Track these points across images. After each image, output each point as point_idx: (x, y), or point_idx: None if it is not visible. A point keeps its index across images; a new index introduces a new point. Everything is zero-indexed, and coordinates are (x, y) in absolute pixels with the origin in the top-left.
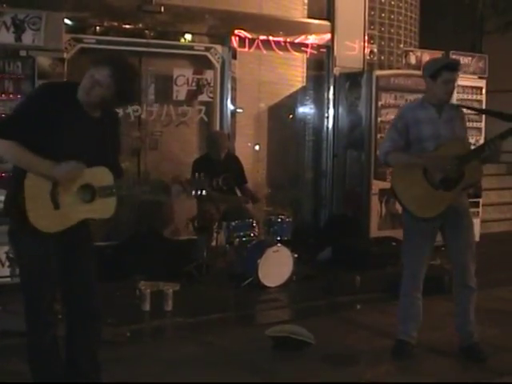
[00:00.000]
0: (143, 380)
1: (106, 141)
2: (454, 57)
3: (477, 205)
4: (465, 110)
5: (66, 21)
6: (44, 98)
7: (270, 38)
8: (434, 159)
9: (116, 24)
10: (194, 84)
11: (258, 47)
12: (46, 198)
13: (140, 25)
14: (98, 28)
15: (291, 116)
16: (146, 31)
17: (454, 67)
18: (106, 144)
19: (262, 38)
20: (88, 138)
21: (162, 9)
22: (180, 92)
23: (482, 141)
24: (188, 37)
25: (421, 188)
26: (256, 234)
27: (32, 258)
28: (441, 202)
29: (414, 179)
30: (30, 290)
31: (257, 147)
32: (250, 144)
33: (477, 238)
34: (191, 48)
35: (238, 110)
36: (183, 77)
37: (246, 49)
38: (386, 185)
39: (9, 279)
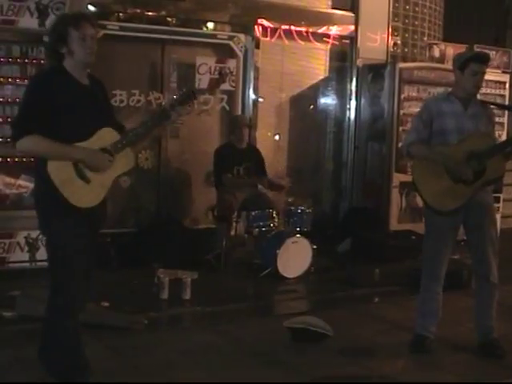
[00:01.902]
0: (158, 368)
1: (102, 104)
2: (477, 50)
3: (497, 200)
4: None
5: (90, 7)
6: (45, 85)
7: (293, 27)
8: (453, 162)
9: (139, 11)
10: (216, 72)
11: (280, 37)
12: (75, 178)
13: (163, 12)
14: (121, 15)
15: (313, 107)
16: (169, 19)
17: (482, 59)
18: (103, 107)
19: (284, 27)
20: (90, 107)
21: None
22: (202, 80)
23: (504, 136)
24: (211, 25)
25: (441, 181)
26: (275, 224)
27: (71, 240)
28: (460, 196)
29: (435, 172)
30: (65, 273)
31: (277, 137)
32: (271, 134)
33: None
34: (214, 36)
35: (260, 100)
36: (206, 65)
37: (269, 38)
38: (407, 178)
39: (28, 264)
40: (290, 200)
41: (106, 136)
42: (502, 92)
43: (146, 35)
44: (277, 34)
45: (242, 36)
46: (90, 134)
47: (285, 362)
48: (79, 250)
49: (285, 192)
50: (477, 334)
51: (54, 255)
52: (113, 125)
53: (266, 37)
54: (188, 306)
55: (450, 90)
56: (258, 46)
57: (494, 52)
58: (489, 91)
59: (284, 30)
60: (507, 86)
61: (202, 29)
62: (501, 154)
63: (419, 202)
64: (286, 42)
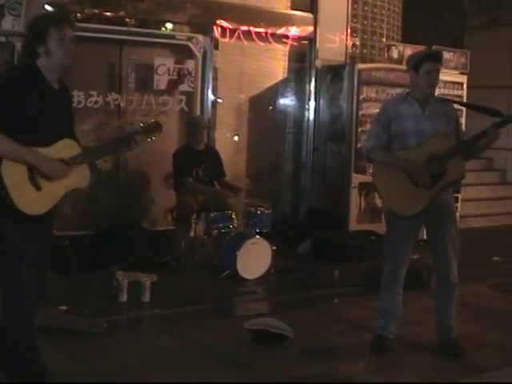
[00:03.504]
0: (120, 372)
1: (67, 113)
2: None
3: (456, 200)
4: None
5: (47, 7)
6: (13, 82)
7: (252, 28)
8: (414, 168)
9: (97, 11)
10: (175, 73)
11: (239, 38)
12: (26, 182)
13: (121, 13)
14: (78, 15)
15: (272, 107)
16: (128, 19)
17: (435, 57)
18: (68, 116)
19: (243, 28)
20: (58, 112)
21: None
22: (161, 81)
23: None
24: (170, 26)
25: (402, 185)
26: (235, 225)
27: (20, 244)
28: (422, 199)
29: (396, 176)
30: (16, 277)
31: (236, 138)
32: (229, 135)
33: None
34: (173, 37)
35: (219, 100)
36: (164, 66)
37: (228, 39)
38: (366, 178)
39: None
40: (249, 201)
41: (67, 147)
42: (459, 93)
43: (104, 36)
44: (236, 34)
45: (200, 37)
46: (51, 142)
47: (246, 364)
48: (29, 253)
49: (242, 194)
50: (437, 334)
51: (4, 258)
52: (71, 136)
53: (225, 38)
54: (147, 309)
55: (407, 90)
56: (216, 47)
57: (451, 53)
58: (447, 92)
59: (243, 31)
60: (465, 86)
61: (160, 29)
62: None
63: (378, 202)
64: (245, 42)
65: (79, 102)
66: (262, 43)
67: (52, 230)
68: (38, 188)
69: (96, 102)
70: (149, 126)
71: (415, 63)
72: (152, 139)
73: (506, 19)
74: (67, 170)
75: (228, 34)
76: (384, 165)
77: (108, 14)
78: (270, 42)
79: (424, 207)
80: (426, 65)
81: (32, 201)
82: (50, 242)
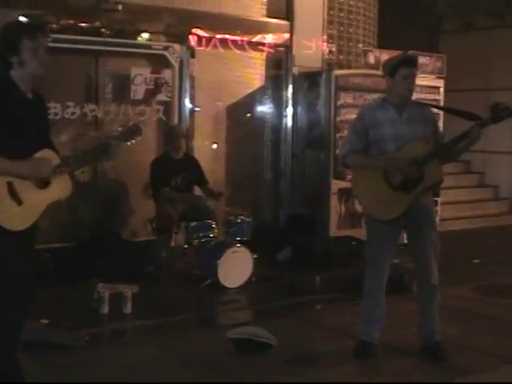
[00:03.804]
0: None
1: (43, 123)
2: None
3: (435, 203)
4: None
5: (22, 18)
6: None
7: (228, 36)
8: (393, 161)
9: (73, 22)
10: (152, 83)
11: (215, 46)
12: (6, 197)
13: (97, 23)
14: (54, 26)
15: (250, 115)
16: (104, 30)
17: (411, 62)
18: (44, 126)
19: (220, 36)
20: (33, 122)
21: (120, 7)
22: (138, 91)
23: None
24: (146, 35)
25: (381, 190)
26: (215, 234)
27: (3, 256)
28: (400, 204)
29: (374, 181)
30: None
31: (215, 146)
32: (208, 143)
33: None
34: (149, 47)
35: (197, 109)
36: (141, 76)
37: (204, 48)
38: (346, 184)
39: None
40: (228, 209)
41: (46, 158)
42: (436, 97)
43: (79, 46)
44: (212, 43)
45: (177, 46)
46: (29, 153)
47: (230, 373)
48: (13, 265)
49: (223, 200)
50: (420, 338)
51: None
52: (49, 146)
53: (202, 46)
54: (129, 320)
55: (384, 96)
56: (193, 56)
57: (428, 58)
58: (424, 96)
59: (219, 39)
60: (441, 90)
61: (136, 39)
62: (437, 159)
63: (358, 207)
64: (222, 50)
65: (56, 114)
66: (238, 51)
67: (34, 243)
68: (19, 202)
69: (73, 113)
70: (128, 129)
71: (391, 68)
72: (132, 143)
73: (481, 23)
74: (49, 166)
75: (204, 43)
76: (362, 170)
77: (84, 24)
78: (246, 50)
79: (403, 211)
80: (402, 70)
81: (14, 216)
82: (35, 255)
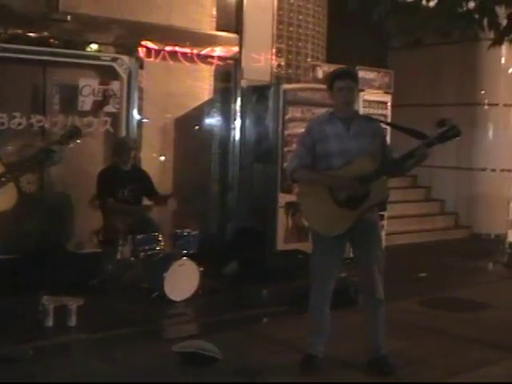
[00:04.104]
0: None
1: None
2: (360, 71)
3: (382, 218)
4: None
5: None
6: None
7: (177, 48)
8: (339, 179)
9: (21, 32)
10: (99, 94)
11: (165, 58)
12: None
13: (46, 33)
14: (2, 35)
15: (198, 127)
16: (52, 40)
17: (344, 75)
18: None
19: (169, 48)
20: None
21: (69, 17)
22: (85, 102)
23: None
24: (94, 47)
25: (326, 206)
26: (162, 247)
27: None
28: (345, 220)
29: (320, 197)
30: None
31: (163, 158)
32: (156, 155)
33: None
34: (98, 58)
35: (145, 120)
36: (89, 87)
37: (153, 59)
38: (293, 198)
39: None
40: (176, 222)
41: None
42: (384, 112)
43: (27, 56)
44: (161, 55)
45: (125, 58)
46: None
47: None
48: None
49: (170, 213)
50: (366, 351)
51: None
52: None
53: (151, 58)
54: (74, 333)
55: (332, 110)
56: (142, 67)
57: (375, 73)
58: (371, 111)
59: (169, 52)
60: (389, 105)
61: (85, 50)
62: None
63: (305, 221)
64: (171, 62)
65: (2, 124)
66: (187, 63)
67: None
68: None
69: (19, 124)
70: (68, 132)
71: (329, 82)
72: (73, 144)
73: (429, 39)
74: None
75: (154, 55)
76: (308, 185)
77: (32, 34)
78: (195, 62)
79: (347, 228)
80: (337, 83)
81: None
82: None
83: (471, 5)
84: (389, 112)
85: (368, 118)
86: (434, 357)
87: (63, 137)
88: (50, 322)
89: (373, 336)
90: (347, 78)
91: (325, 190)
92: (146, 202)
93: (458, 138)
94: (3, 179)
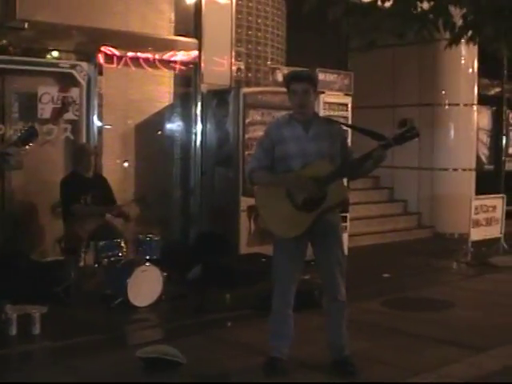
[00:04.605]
0: None
1: None
2: (320, 74)
3: (344, 219)
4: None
5: None
6: None
7: (139, 54)
8: (296, 181)
9: None
10: (59, 102)
11: (125, 64)
12: None
13: (3, 41)
14: None
15: (159, 133)
16: (10, 48)
17: (298, 77)
18: None
19: (130, 54)
20: None
21: (26, 25)
22: (45, 110)
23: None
24: (54, 54)
25: (283, 208)
26: (124, 253)
27: None
28: (302, 222)
29: (277, 199)
30: None
31: (126, 164)
32: (117, 161)
33: (345, 252)
34: (56, 65)
35: (107, 127)
36: (48, 95)
37: (115, 65)
38: (255, 201)
39: None
40: (138, 228)
41: None
42: (344, 114)
43: None
44: (122, 61)
45: (84, 64)
46: None
47: None
48: None
49: (133, 220)
50: (330, 353)
51: None
52: None
53: (112, 64)
54: (38, 342)
55: (291, 112)
56: (101, 73)
57: (335, 75)
58: (332, 113)
59: (128, 57)
60: (349, 107)
61: (44, 58)
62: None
63: (263, 223)
64: (133, 68)
65: None
66: (148, 69)
67: None
68: None
69: None
70: (24, 133)
71: (285, 85)
72: (28, 146)
73: (384, 41)
74: None
75: (115, 61)
76: (266, 187)
77: None
78: (156, 68)
79: (305, 230)
80: (292, 85)
81: None
82: None
83: (426, 6)
84: (349, 114)
85: (328, 120)
86: (396, 357)
87: (19, 138)
88: (13, 331)
89: (336, 337)
90: (302, 80)
91: (282, 192)
92: None
93: (416, 139)
94: None
